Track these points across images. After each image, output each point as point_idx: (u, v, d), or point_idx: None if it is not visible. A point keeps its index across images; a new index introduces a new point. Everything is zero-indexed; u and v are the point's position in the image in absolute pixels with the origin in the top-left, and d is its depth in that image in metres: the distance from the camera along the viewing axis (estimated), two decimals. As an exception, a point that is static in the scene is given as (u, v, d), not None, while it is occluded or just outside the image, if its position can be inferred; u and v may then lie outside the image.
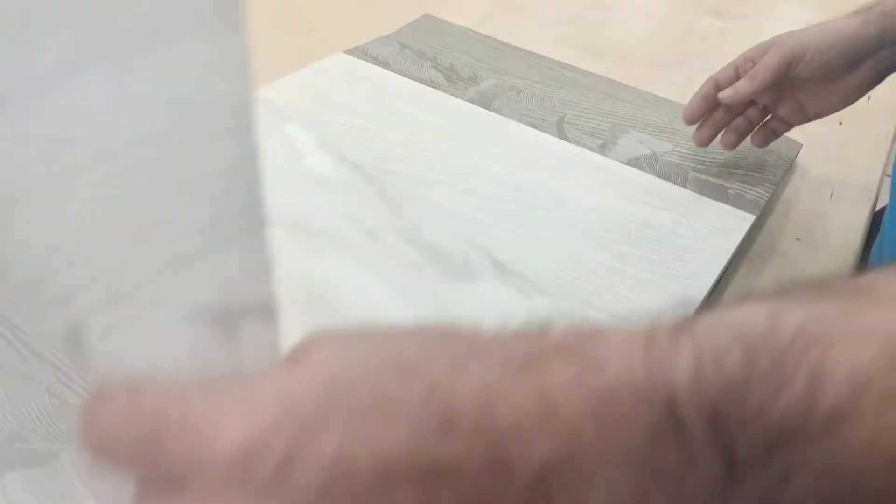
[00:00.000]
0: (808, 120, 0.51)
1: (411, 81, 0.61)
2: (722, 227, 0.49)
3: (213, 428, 0.15)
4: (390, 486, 0.14)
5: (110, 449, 0.16)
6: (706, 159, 0.55)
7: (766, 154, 0.55)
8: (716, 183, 0.53)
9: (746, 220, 0.50)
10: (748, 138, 0.53)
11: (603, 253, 0.45)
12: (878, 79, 0.48)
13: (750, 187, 0.53)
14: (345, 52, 0.64)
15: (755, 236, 0.51)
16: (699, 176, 0.54)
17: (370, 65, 0.63)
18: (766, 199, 0.52)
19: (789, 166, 0.57)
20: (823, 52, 0.47)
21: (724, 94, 0.49)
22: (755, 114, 0.52)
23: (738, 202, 0.51)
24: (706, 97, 0.51)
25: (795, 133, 0.59)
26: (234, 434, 0.15)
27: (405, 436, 0.15)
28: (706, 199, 0.51)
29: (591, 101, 0.62)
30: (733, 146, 0.52)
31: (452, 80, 0.63)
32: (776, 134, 0.53)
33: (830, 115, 0.65)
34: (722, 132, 0.52)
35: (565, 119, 0.59)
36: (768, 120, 0.53)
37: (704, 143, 0.52)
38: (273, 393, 0.15)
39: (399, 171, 0.50)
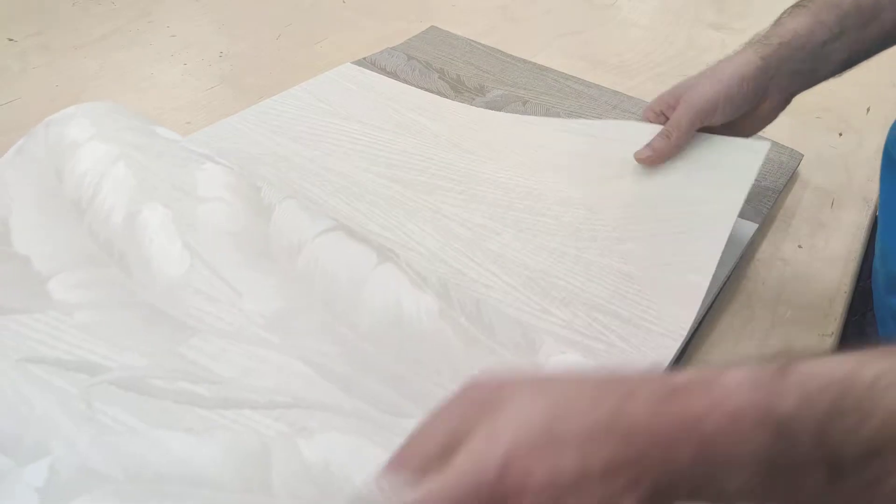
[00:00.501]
0: None
1: (419, 90, 0.62)
2: (726, 234, 0.49)
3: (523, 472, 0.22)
4: (608, 479, 0.22)
5: None
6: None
7: (767, 164, 0.56)
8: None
9: (749, 227, 0.50)
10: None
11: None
12: (789, 101, 0.50)
13: (752, 196, 0.54)
14: (352, 62, 0.65)
15: (758, 244, 0.52)
16: (703, 185, 0.54)
17: (378, 75, 0.64)
18: (769, 207, 0.53)
19: (791, 176, 0.58)
20: (733, 99, 0.47)
21: (642, 156, 0.49)
22: None
23: (741, 211, 0.52)
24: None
25: (797, 144, 0.60)
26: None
27: (606, 447, 0.22)
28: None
29: (595, 111, 0.63)
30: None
31: (459, 90, 0.64)
32: None
33: (831, 126, 0.66)
34: None
35: (570, 129, 0.60)
36: None
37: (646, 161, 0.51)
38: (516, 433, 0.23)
39: (408, 179, 0.51)
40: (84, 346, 0.33)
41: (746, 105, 0.48)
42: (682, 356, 0.42)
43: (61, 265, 0.36)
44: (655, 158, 0.49)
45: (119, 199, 0.38)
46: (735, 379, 0.22)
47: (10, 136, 0.55)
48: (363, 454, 0.29)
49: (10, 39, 0.68)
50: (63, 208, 0.39)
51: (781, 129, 0.63)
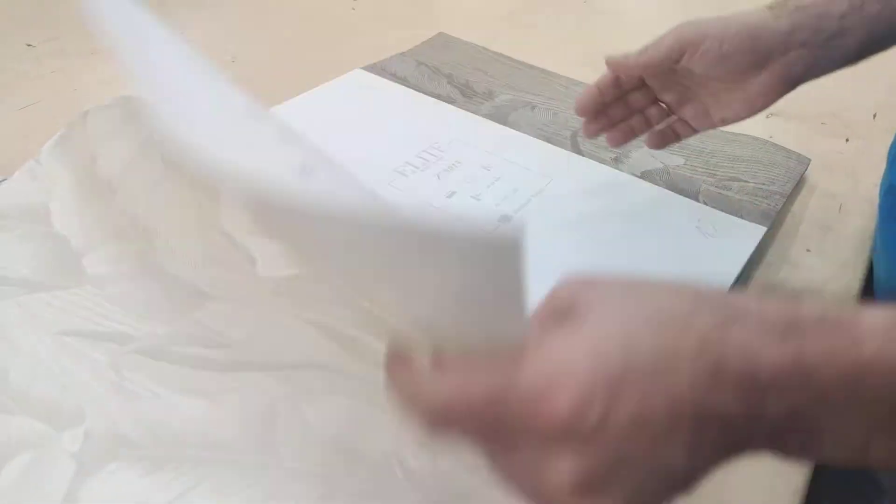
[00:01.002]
0: (714, 126, 0.47)
1: (428, 97, 0.63)
2: (734, 238, 0.50)
3: (545, 399, 0.19)
4: (675, 429, 0.18)
5: (453, 436, 0.21)
6: (717, 173, 0.56)
7: (775, 169, 0.57)
8: (727, 195, 0.54)
9: (758, 231, 0.51)
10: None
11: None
12: (788, 85, 0.43)
13: (761, 199, 0.54)
14: (362, 68, 0.66)
15: (767, 247, 0.52)
16: (710, 189, 0.55)
17: (388, 81, 0.64)
18: (777, 210, 0.53)
19: (798, 180, 0.58)
20: (724, 43, 0.41)
21: (612, 59, 0.46)
22: (655, 113, 0.48)
23: (749, 215, 0.52)
24: (600, 86, 0.47)
25: (803, 150, 0.61)
26: (565, 401, 0.19)
27: (685, 388, 0.18)
28: (717, 212, 0.52)
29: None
30: (617, 143, 0.49)
31: (468, 95, 0.64)
32: (678, 137, 0.49)
33: (837, 131, 0.66)
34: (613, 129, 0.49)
35: (578, 133, 0.60)
36: (673, 122, 0.49)
37: (591, 134, 0.49)
38: (580, 357, 0.19)
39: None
40: (113, 317, 0.36)
41: (739, 60, 0.42)
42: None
43: (94, 242, 0.40)
44: (623, 66, 0.46)
45: (147, 177, 0.41)
46: (870, 323, 0.19)
47: (27, 138, 0.56)
48: (364, 416, 0.31)
49: (28, 45, 0.69)
50: (96, 188, 0.42)
51: (787, 134, 0.63)
